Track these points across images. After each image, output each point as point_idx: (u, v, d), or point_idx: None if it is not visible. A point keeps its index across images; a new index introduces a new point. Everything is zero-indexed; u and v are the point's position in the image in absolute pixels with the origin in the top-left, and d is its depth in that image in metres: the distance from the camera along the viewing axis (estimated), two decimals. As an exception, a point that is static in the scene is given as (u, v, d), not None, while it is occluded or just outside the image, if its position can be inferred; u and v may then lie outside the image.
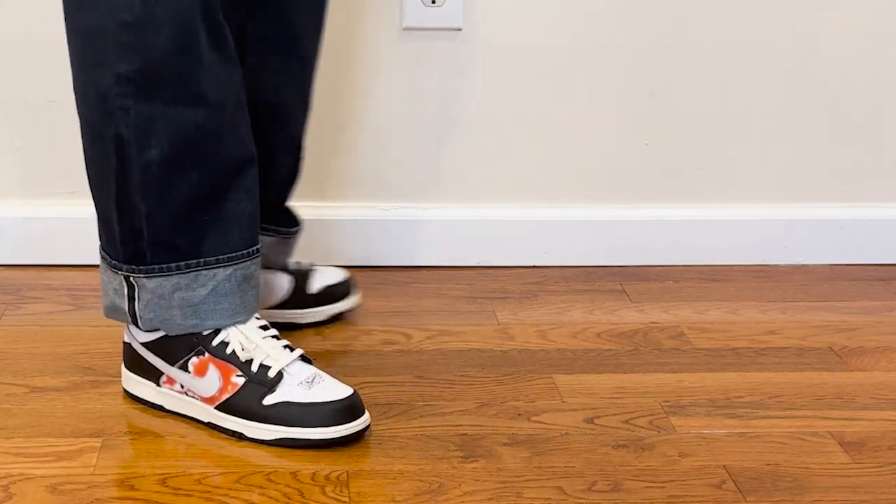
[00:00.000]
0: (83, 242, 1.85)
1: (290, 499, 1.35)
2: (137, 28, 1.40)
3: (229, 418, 1.48)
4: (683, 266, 2.09)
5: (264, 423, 1.46)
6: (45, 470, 1.40)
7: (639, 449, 1.47)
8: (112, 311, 1.55)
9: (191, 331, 1.50)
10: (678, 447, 1.48)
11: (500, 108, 2.03)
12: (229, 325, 1.50)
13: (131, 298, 1.50)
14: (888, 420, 1.56)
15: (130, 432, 1.49)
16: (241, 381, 1.48)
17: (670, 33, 2.02)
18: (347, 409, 1.46)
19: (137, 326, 1.52)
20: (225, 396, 1.48)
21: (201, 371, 1.50)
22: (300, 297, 1.79)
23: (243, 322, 1.51)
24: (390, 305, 1.90)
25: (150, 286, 1.49)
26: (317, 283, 1.81)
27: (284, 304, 1.78)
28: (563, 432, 1.51)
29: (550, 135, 2.05)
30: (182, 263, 1.48)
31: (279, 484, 1.38)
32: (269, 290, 1.75)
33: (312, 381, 1.48)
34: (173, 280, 1.48)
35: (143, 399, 1.55)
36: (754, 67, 2.04)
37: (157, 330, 1.52)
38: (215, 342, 1.50)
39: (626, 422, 1.54)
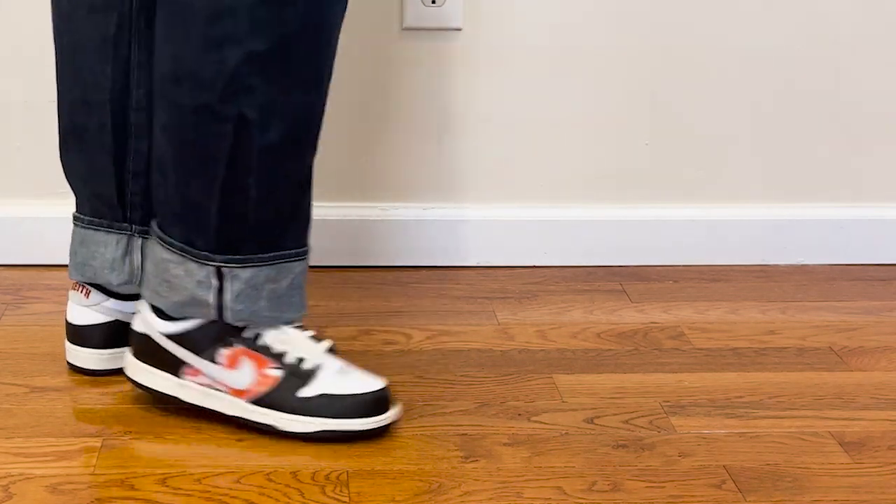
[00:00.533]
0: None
1: (290, 499, 1.35)
2: (274, 3, 1.35)
3: (262, 411, 1.46)
4: (683, 266, 2.09)
5: (303, 415, 1.45)
6: (45, 470, 1.40)
7: (639, 449, 1.47)
8: (187, 307, 1.47)
9: (273, 323, 1.48)
10: (678, 447, 1.48)
11: (500, 108, 2.03)
12: (298, 321, 1.49)
13: (220, 290, 1.46)
14: (888, 420, 1.56)
15: (130, 432, 1.49)
16: (276, 373, 1.46)
17: (670, 33, 2.02)
18: (381, 399, 1.47)
19: (223, 319, 1.47)
20: (259, 389, 1.46)
21: (233, 362, 1.47)
22: None
23: (303, 317, 1.51)
24: (390, 305, 1.90)
25: (245, 276, 1.45)
26: None
27: None
28: (563, 432, 1.51)
29: (550, 135, 2.05)
30: (273, 254, 1.46)
31: (279, 484, 1.38)
32: None
33: (344, 372, 1.48)
34: (265, 271, 1.45)
35: (156, 391, 1.51)
36: (754, 68, 2.04)
37: (200, 322, 1.48)
38: (246, 333, 1.48)
39: (626, 422, 1.54)
